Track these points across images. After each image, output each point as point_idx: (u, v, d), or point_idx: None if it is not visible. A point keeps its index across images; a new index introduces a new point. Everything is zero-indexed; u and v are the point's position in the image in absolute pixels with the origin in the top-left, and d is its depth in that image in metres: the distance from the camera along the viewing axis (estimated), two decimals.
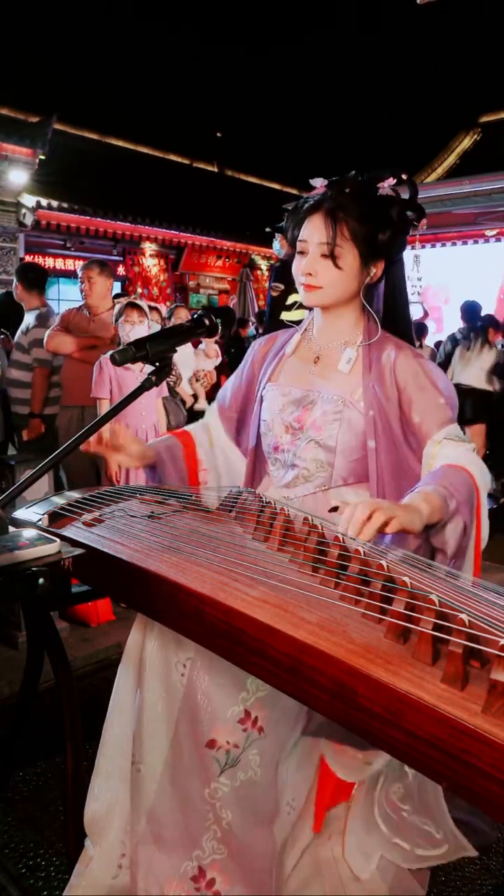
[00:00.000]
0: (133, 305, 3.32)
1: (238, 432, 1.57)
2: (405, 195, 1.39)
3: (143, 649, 1.32)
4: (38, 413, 3.94)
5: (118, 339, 3.39)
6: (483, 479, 1.25)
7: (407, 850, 1.27)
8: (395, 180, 1.34)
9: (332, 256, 1.31)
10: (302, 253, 1.36)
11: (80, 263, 4.14)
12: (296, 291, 1.42)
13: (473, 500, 1.20)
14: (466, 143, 12.06)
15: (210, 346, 5.19)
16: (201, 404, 5.04)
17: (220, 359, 5.53)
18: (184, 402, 4.28)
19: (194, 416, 4.86)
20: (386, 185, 1.34)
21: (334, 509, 1.09)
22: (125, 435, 1.42)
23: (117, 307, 3.43)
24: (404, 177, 1.36)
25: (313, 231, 1.32)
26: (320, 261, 1.32)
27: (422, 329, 6.90)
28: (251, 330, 8.39)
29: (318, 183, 1.37)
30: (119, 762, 1.33)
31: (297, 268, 1.37)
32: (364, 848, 1.30)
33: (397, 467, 1.33)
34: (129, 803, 1.32)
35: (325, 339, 1.43)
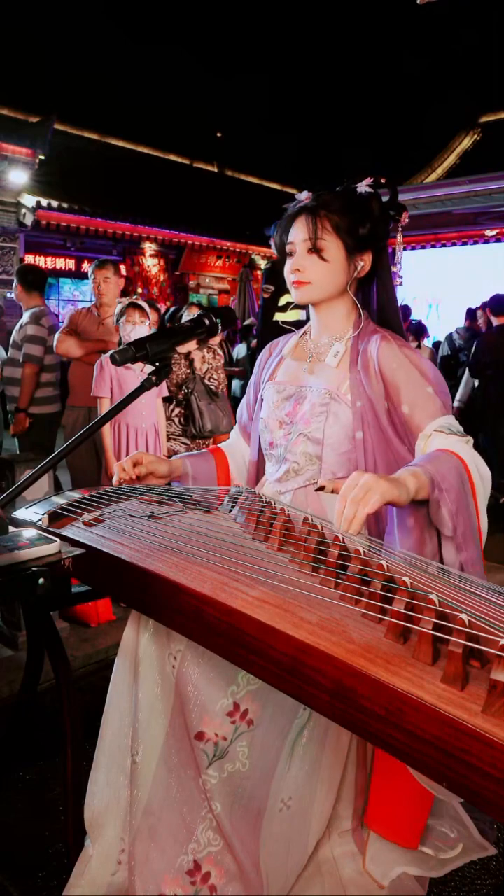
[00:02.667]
0: (134, 306, 3.32)
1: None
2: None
3: (138, 643, 1.32)
4: (24, 408, 3.98)
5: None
6: (476, 466, 1.22)
7: (432, 857, 1.27)
8: (372, 179, 1.39)
9: (316, 250, 1.34)
10: (290, 254, 1.40)
11: (78, 263, 4.18)
12: (287, 293, 1.44)
13: (465, 483, 1.17)
14: (466, 143, 12.07)
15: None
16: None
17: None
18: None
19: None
20: (363, 184, 1.39)
21: (321, 489, 1.10)
22: (148, 461, 1.48)
23: (118, 307, 3.43)
24: (383, 181, 1.41)
25: (298, 231, 1.37)
26: (307, 256, 1.36)
27: (421, 329, 6.91)
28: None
29: (304, 195, 1.41)
30: (117, 756, 1.34)
31: (287, 268, 1.41)
32: (385, 860, 1.30)
33: (390, 461, 1.32)
34: (127, 798, 1.32)
35: (318, 337, 1.47)
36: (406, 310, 6.67)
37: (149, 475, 1.48)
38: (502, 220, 9.32)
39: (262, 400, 1.51)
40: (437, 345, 6.92)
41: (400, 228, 1.44)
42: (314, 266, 1.36)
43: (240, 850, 1.24)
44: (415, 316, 7.79)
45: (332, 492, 1.16)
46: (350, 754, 1.32)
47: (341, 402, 1.35)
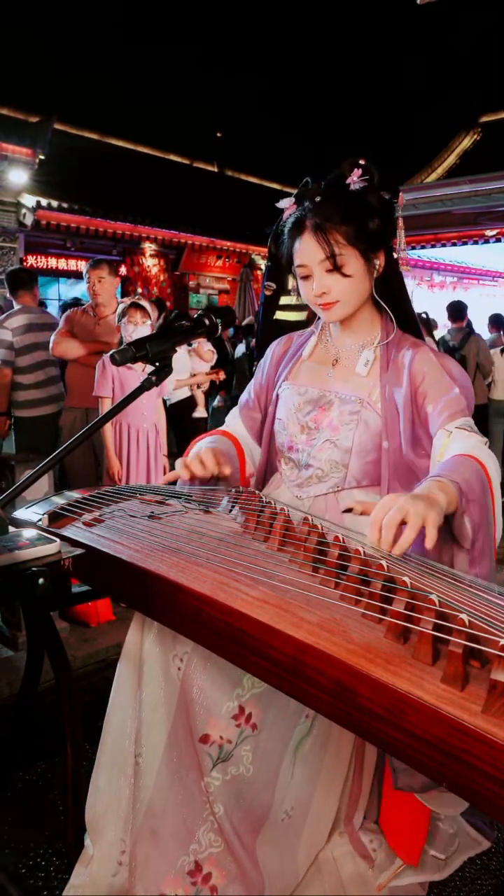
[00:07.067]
0: (136, 306, 3.32)
1: (261, 432, 1.58)
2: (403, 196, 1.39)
3: (142, 645, 1.32)
4: (4, 412, 3.99)
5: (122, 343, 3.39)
6: (496, 471, 1.19)
7: (440, 859, 1.27)
8: (360, 171, 1.32)
9: (337, 268, 1.29)
10: (305, 277, 1.34)
11: (79, 263, 4.19)
12: (287, 293, 1.42)
13: (487, 493, 1.14)
14: (466, 143, 12.06)
15: (202, 347, 5.07)
16: (200, 412, 4.98)
17: (214, 361, 5.40)
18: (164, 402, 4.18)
19: (193, 423, 4.83)
20: (354, 179, 1.32)
21: (348, 510, 1.06)
22: (222, 461, 1.37)
23: (120, 307, 3.42)
24: (362, 162, 1.33)
25: (309, 252, 1.31)
26: (328, 277, 1.31)
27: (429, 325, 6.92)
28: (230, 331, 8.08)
29: (286, 203, 1.37)
30: (119, 757, 1.34)
31: (307, 293, 1.35)
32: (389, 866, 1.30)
33: (407, 469, 1.32)
34: (128, 799, 1.32)
35: (343, 341, 1.44)
36: (429, 323, 6.74)
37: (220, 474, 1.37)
38: (502, 220, 9.32)
39: (278, 398, 1.48)
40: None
41: (399, 211, 1.38)
42: (338, 284, 1.31)
43: (240, 852, 1.24)
44: None
45: (362, 514, 1.11)
46: (350, 763, 1.32)
47: (372, 409, 1.34)
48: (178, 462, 1.37)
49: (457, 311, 6.20)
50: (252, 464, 1.57)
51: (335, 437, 1.35)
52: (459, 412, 1.28)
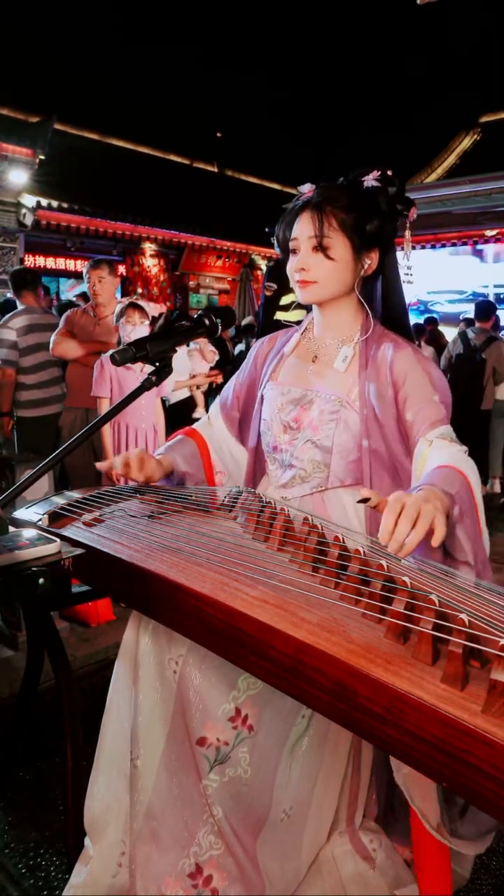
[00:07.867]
0: (134, 306, 3.31)
1: (241, 431, 1.58)
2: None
3: (138, 646, 1.32)
4: (7, 412, 4.02)
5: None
6: (477, 483, 1.19)
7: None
8: (379, 173, 1.35)
9: (322, 248, 1.31)
10: (294, 251, 1.36)
11: (79, 263, 4.20)
12: (289, 291, 1.43)
13: (473, 505, 1.14)
14: (466, 143, 12.06)
15: (206, 347, 5.05)
16: (200, 412, 4.98)
17: (216, 361, 5.37)
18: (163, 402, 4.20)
19: (193, 423, 4.82)
20: (370, 178, 1.34)
21: (364, 500, 1.04)
22: (150, 469, 1.42)
23: (118, 307, 3.42)
24: (389, 173, 1.36)
25: (302, 227, 1.33)
26: (312, 255, 1.32)
27: (421, 329, 6.91)
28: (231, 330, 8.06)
29: (307, 188, 1.38)
30: (117, 758, 1.34)
31: (291, 266, 1.37)
32: (392, 874, 1.30)
33: (390, 467, 1.31)
34: (127, 800, 1.32)
35: (323, 337, 1.43)
36: (420, 328, 6.73)
37: (148, 477, 1.43)
38: (502, 220, 9.32)
39: (263, 399, 1.48)
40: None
41: (408, 224, 1.39)
42: (319, 265, 1.32)
43: (240, 853, 1.24)
44: None
45: (376, 507, 1.06)
46: (348, 760, 1.32)
47: (351, 409, 1.33)
48: (118, 459, 1.41)
49: (485, 310, 6.05)
50: (221, 462, 1.58)
51: (316, 437, 1.34)
52: (439, 421, 1.27)
